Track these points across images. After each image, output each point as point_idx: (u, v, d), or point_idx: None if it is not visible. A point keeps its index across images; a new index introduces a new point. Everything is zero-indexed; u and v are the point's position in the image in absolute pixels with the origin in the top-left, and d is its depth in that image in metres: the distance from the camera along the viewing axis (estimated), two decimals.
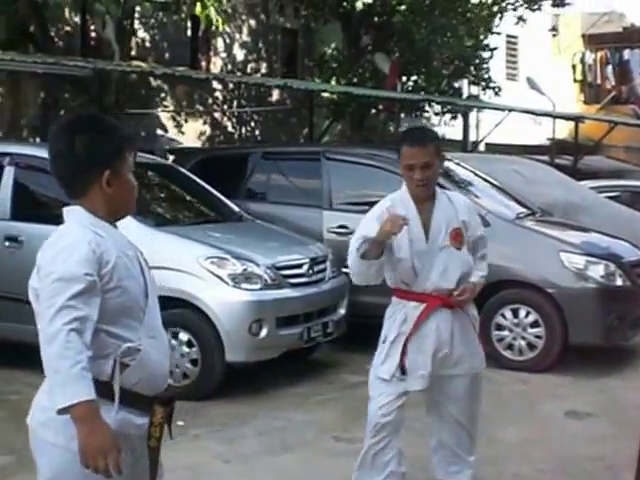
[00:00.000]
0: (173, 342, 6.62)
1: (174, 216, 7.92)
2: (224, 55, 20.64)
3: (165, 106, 21.14)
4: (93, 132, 2.72)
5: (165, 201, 8.32)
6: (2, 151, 8.04)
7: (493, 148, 18.28)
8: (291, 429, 5.82)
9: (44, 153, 7.71)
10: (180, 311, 6.70)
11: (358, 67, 16.32)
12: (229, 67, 20.55)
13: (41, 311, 2.60)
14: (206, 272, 6.67)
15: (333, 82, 16.31)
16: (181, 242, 6.94)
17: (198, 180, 8.56)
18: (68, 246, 2.62)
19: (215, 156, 10.48)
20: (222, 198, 8.34)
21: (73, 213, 2.74)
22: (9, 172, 7.59)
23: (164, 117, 21.02)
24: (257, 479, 4.97)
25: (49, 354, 2.54)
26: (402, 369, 4.15)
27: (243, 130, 21.09)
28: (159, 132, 20.45)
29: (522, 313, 7.63)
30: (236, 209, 8.31)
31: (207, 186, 8.46)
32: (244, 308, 6.58)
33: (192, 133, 20.54)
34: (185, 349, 6.65)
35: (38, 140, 17.87)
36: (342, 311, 7.72)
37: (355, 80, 16.12)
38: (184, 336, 6.66)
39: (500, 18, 17.62)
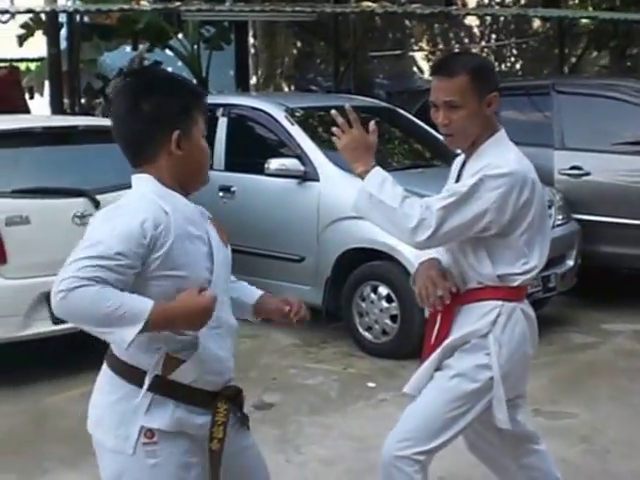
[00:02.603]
0: (372, 296, 6.33)
1: (381, 161, 7.42)
2: None
3: (420, 47, 20.68)
4: (159, 90, 2.40)
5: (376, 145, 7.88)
6: (216, 102, 8.01)
7: None
8: None
9: (255, 103, 7.78)
10: (380, 264, 6.33)
11: None
12: (485, 1, 19.62)
13: None
14: None
15: (591, 9, 15.00)
16: None
17: (418, 122, 8.11)
18: (118, 225, 2.27)
19: None
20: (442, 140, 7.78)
21: (139, 182, 2.41)
22: (223, 123, 7.55)
23: (419, 58, 20.58)
24: None
25: (80, 315, 2.21)
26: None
27: (502, 66, 20.14)
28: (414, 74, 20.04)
29: None
30: (458, 152, 7.73)
31: (427, 128, 7.96)
32: None
33: None
34: (384, 304, 6.27)
35: (293, 89, 18.14)
36: (570, 262, 7.00)
37: (617, 5, 14.72)
38: (383, 290, 6.28)
39: None
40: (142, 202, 2.34)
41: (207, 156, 2.47)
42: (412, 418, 3.13)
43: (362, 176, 2.96)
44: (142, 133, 2.37)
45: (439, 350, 3.06)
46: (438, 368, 3.09)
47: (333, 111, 3.04)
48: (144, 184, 2.39)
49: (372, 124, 3.01)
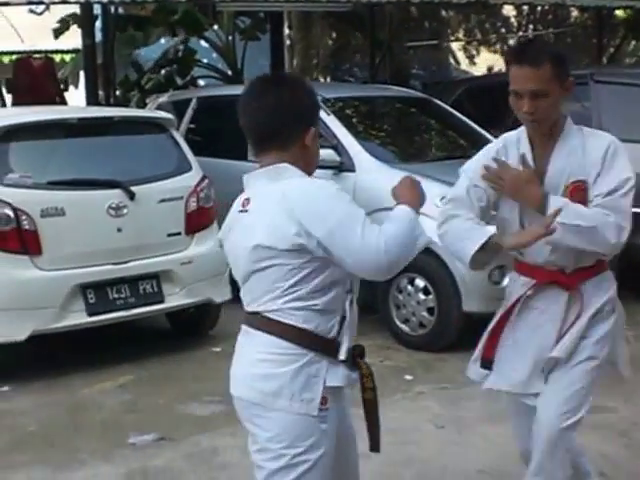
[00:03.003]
0: (409, 288, 6.25)
1: (417, 152, 7.37)
2: None
3: (457, 37, 20.50)
4: (301, 89, 2.70)
5: (411, 136, 7.81)
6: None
7: None
8: None
9: None
10: (416, 255, 6.22)
11: None
12: None
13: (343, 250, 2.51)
14: None
15: None
16: None
17: (455, 113, 8.01)
18: (335, 193, 2.57)
19: (480, 85, 9.80)
20: (480, 131, 7.68)
21: (289, 170, 2.61)
22: None
23: (456, 48, 20.41)
24: (463, 453, 4.40)
25: (405, 253, 2.54)
26: (484, 362, 3.26)
27: None
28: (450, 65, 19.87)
29: None
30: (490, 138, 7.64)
31: (464, 118, 7.87)
32: None
33: (485, 63, 19.77)
34: (421, 296, 6.20)
35: (329, 80, 18.05)
36: None
37: None
38: (420, 282, 6.20)
39: None
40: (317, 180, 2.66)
41: (319, 154, 2.73)
42: (568, 388, 3.16)
43: (541, 210, 3.02)
44: (283, 125, 2.60)
45: (582, 322, 3.13)
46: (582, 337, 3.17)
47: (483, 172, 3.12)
48: (295, 171, 2.61)
49: (522, 156, 3.09)
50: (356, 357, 2.65)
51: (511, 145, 3.18)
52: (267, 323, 2.59)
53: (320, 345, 2.57)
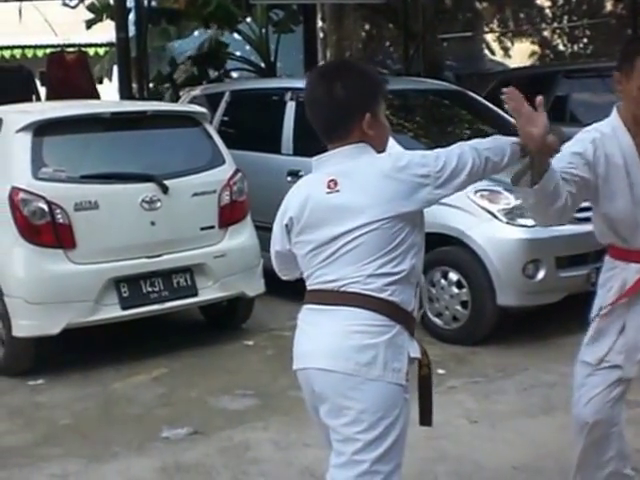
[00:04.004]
0: (442, 282, 6.21)
1: (450, 145, 7.30)
2: None
3: (491, 28, 20.35)
4: (351, 77, 2.73)
5: (445, 128, 7.75)
6: (283, 86, 7.96)
7: None
8: (560, 386, 4.99)
9: None
10: (449, 249, 6.20)
11: None
12: None
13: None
14: (476, 206, 6.05)
15: None
16: None
17: (489, 105, 7.95)
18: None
19: (515, 77, 9.72)
20: (514, 123, 7.60)
21: (367, 148, 2.73)
22: (291, 107, 7.49)
23: (490, 39, 20.26)
24: (497, 449, 4.35)
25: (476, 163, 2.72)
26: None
27: (575, 47, 19.70)
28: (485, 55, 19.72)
29: None
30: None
31: (498, 111, 7.80)
32: (518, 247, 5.88)
33: (519, 54, 19.59)
34: (455, 290, 6.14)
35: None
36: None
37: None
38: (454, 276, 6.14)
39: None
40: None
41: (388, 133, 2.81)
42: None
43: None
44: (338, 115, 2.68)
45: None
46: None
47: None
48: (371, 149, 2.73)
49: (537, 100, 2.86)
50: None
51: (608, 136, 3.13)
52: (356, 297, 2.64)
53: (403, 318, 2.68)
